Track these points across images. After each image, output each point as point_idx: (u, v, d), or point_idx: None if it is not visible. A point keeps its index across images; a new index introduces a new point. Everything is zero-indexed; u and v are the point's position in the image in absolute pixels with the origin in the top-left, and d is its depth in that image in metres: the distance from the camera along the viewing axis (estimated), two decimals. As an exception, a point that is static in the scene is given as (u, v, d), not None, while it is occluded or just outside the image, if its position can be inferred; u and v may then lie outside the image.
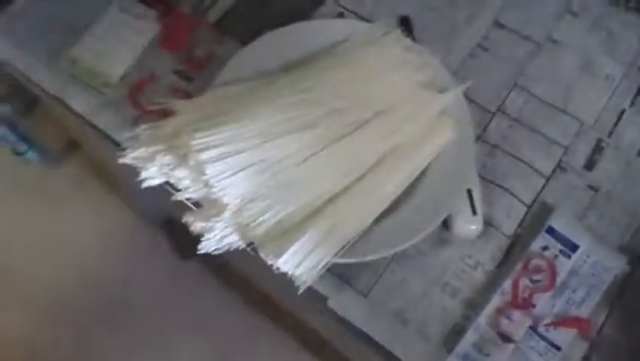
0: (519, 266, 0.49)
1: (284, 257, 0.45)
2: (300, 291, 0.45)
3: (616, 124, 0.58)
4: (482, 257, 0.52)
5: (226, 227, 0.46)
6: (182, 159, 0.46)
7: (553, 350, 0.46)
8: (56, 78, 0.59)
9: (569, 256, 0.50)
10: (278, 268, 0.45)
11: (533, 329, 0.47)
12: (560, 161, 0.56)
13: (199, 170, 0.45)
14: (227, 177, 0.45)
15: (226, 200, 0.45)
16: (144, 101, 0.57)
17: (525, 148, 0.57)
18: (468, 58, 0.61)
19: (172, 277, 1.25)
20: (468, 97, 0.57)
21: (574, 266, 0.50)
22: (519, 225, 0.53)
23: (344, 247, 0.46)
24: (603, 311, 0.49)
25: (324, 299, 0.50)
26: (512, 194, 0.54)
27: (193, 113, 0.49)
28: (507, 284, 0.49)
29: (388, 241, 0.48)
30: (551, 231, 0.51)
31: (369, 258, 0.47)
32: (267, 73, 0.53)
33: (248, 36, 0.59)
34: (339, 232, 0.47)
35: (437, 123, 0.52)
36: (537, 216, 0.53)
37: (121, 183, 1.01)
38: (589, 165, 0.56)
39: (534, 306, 0.48)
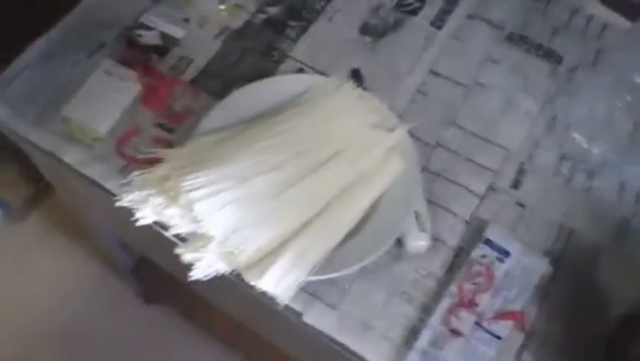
0: (462, 272, 0.59)
1: (265, 278, 0.53)
2: (280, 307, 0.53)
3: (535, 150, 0.69)
4: (432, 267, 0.61)
5: (213, 256, 0.54)
6: (172, 200, 0.54)
7: (496, 340, 0.55)
8: (47, 135, 0.66)
9: (503, 261, 0.60)
10: (259, 289, 0.53)
11: (478, 323, 0.56)
12: (491, 183, 0.67)
13: (188, 208, 0.53)
14: (212, 213, 0.53)
15: (212, 232, 0.53)
16: (131, 152, 0.65)
17: (462, 174, 0.67)
18: (410, 102, 0.72)
19: (140, 322, 1.28)
20: (413, 134, 0.68)
21: (507, 269, 0.59)
22: (462, 238, 0.63)
23: (315, 266, 0.55)
24: (534, 305, 0.59)
25: (299, 315, 0.58)
26: (453, 213, 0.64)
27: (179, 160, 0.57)
28: (453, 288, 0.58)
29: (351, 259, 0.56)
30: (488, 242, 0.61)
31: (336, 274, 0.55)
32: (239, 123, 0.62)
33: (220, 91, 0.68)
34: (310, 254, 0.55)
35: (388, 158, 0.62)
36: (476, 230, 0.63)
37: (94, 232, 1.06)
38: (516, 185, 0.67)
39: (477, 305, 0.57)
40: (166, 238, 0.57)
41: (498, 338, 0.55)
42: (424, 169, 0.67)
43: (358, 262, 0.56)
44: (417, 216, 0.60)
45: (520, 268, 0.60)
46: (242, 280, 0.54)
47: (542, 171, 0.68)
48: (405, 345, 0.56)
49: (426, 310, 0.58)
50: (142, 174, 0.57)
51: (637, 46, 0.74)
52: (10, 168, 1.32)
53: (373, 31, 0.77)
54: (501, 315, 0.57)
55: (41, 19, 0.72)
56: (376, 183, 0.60)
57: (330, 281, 0.58)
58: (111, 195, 0.61)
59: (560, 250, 0.63)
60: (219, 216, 0.53)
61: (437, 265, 0.61)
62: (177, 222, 0.55)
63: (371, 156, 0.61)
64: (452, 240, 0.62)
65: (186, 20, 0.76)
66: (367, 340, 0.57)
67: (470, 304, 0.57)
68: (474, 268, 0.59)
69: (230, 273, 0.55)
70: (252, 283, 0.53)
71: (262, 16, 0.77)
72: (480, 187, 0.66)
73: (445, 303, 0.57)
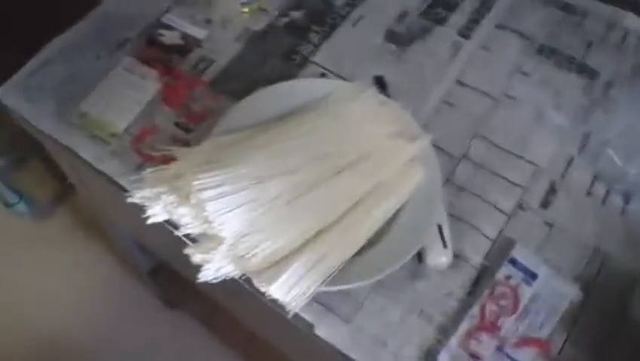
0: (485, 293, 0.55)
1: (276, 285, 0.50)
2: (290, 316, 0.50)
3: (566, 168, 0.66)
4: (453, 286, 0.57)
5: (223, 258, 0.51)
6: (184, 198, 0.52)
7: (518, 367, 0.52)
8: (65, 130, 0.65)
9: (530, 284, 0.56)
10: (270, 296, 0.50)
11: (499, 349, 0.53)
12: (519, 200, 0.63)
13: (199, 208, 0.51)
14: (224, 214, 0.51)
15: (223, 234, 0.51)
16: (146, 150, 0.63)
17: (488, 189, 0.64)
18: (435, 112, 0.69)
19: (158, 325, 1.26)
20: (437, 145, 0.65)
21: (534, 293, 0.55)
22: (485, 257, 0.59)
23: (329, 276, 0.52)
24: (562, 333, 0.55)
25: (310, 327, 0.55)
26: (478, 230, 0.61)
27: (193, 159, 0.55)
28: (475, 310, 0.54)
29: (367, 271, 0.53)
30: (513, 262, 0.57)
31: (351, 286, 0.52)
32: (258, 124, 0.60)
33: (240, 93, 0.66)
34: (324, 263, 0.52)
35: (409, 168, 0.59)
36: (501, 249, 0.59)
37: (113, 232, 1.05)
38: (545, 204, 0.63)
39: (499, 329, 0.53)
40: (180, 240, 0.55)
41: (522, 365, 0.52)
42: (448, 182, 0.64)
43: (374, 275, 0.53)
44: (438, 230, 0.57)
45: (548, 292, 0.56)
46: (253, 285, 0.51)
47: (574, 190, 0.64)
48: (420, 367, 0.53)
49: (444, 331, 0.55)
50: (155, 171, 0.55)
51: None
52: (37, 165, 1.34)
53: (399, 38, 0.75)
54: (525, 341, 0.53)
55: (65, 14, 0.71)
56: (396, 194, 0.57)
57: (345, 293, 0.55)
58: (125, 192, 0.59)
59: (592, 276, 0.59)
60: (231, 218, 0.51)
61: (459, 283, 0.57)
62: (188, 221, 0.53)
63: (391, 165, 0.58)
64: (476, 258, 0.59)
65: (208, 21, 0.75)
66: (380, 357, 0.53)
67: (493, 328, 0.53)
68: (499, 289, 0.56)
69: (240, 277, 0.52)
70: (262, 289, 0.50)
71: (284, 19, 0.76)
72: (507, 204, 0.63)
73: (465, 325, 0.54)
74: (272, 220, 0.52)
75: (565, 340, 0.55)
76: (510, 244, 0.59)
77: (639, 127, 0.65)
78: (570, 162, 0.66)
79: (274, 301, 0.51)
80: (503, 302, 0.55)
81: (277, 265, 0.51)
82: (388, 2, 0.79)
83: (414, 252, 0.54)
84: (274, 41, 0.74)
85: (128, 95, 0.67)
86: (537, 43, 0.76)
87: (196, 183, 0.51)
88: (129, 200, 0.53)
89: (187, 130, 0.65)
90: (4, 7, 0.97)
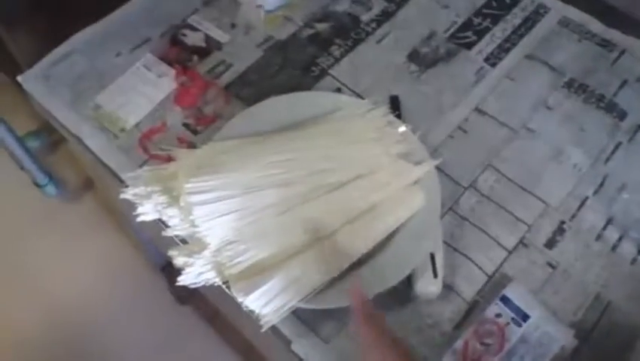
0: (471, 329, 0.53)
1: (253, 296, 0.49)
2: (264, 329, 0.50)
3: (579, 209, 0.63)
4: (440, 318, 0.55)
5: (205, 264, 0.51)
6: (174, 200, 0.53)
7: (497, 412, 0.49)
8: (77, 120, 0.67)
9: (520, 325, 0.53)
10: (246, 306, 0.50)
11: (479, 390, 0.50)
12: (523, 237, 0.61)
13: (187, 211, 0.51)
14: (211, 220, 0.51)
15: (208, 240, 0.51)
16: (152, 147, 0.64)
17: (492, 223, 0.61)
18: (448, 138, 0.67)
19: (166, 319, 1.28)
20: (444, 171, 0.63)
21: (523, 334, 0.53)
22: (479, 292, 0.57)
23: (310, 293, 0.51)
24: (549, 381, 0.52)
25: (288, 342, 0.54)
26: (475, 263, 0.59)
27: (190, 161, 0.55)
28: (459, 345, 0.52)
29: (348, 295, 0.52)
30: (505, 300, 0.55)
31: (331, 306, 0.51)
32: (261, 133, 0.60)
33: (253, 100, 0.66)
34: (306, 279, 0.51)
35: (409, 192, 0.58)
36: (496, 286, 0.57)
37: (128, 225, 1.07)
38: (550, 244, 0.60)
39: (482, 369, 0.51)
40: (170, 239, 0.55)
41: (500, 410, 0.49)
42: (450, 210, 0.62)
43: (358, 297, 0.52)
44: (431, 258, 0.55)
45: (539, 335, 0.53)
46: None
47: (583, 232, 0.61)
48: (395, 398, 0.51)
49: (424, 363, 0.53)
50: (152, 170, 0.56)
51: None
52: (70, 150, 1.37)
53: (422, 59, 0.74)
54: (507, 385, 0.50)
55: (94, 9, 0.74)
56: (391, 217, 0.56)
57: (327, 312, 0.54)
58: (125, 186, 0.60)
59: (590, 324, 0.56)
60: (217, 225, 0.51)
61: (447, 316, 0.55)
62: (176, 223, 0.53)
63: (390, 187, 0.57)
64: (468, 292, 0.57)
65: (233, 26, 0.75)
66: (355, 384, 0.52)
67: (474, 366, 0.51)
68: (486, 326, 0.53)
69: (223, 284, 0.52)
70: (239, 299, 0.50)
71: (309, 31, 0.76)
72: (509, 240, 0.60)
73: (447, 360, 0.52)
74: (260, 231, 0.52)
75: (553, 389, 0.52)
76: (505, 280, 0.57)
77: (660, 175, 0.61)
78: (583, 203, 0.63)
79: (252, 312, 0.50)
80: (489, 340, 0.53)
81: (257, 276, 0.50)
82: (417, 22, 0.78)
83: (400, 279, 0.53)
84: (295, 51, 0.74)
85: (143, 92, 0.68)
86: (566, 77, 0.73)
87: (187, 185, 0.51)
88: (122, 196, 0.54)
89: (195, 132, 0.66)
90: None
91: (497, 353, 0.52)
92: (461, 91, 0.71)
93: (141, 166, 0.63)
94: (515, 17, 0.79)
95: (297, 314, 0.53)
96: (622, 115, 0.70)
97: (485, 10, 0.79)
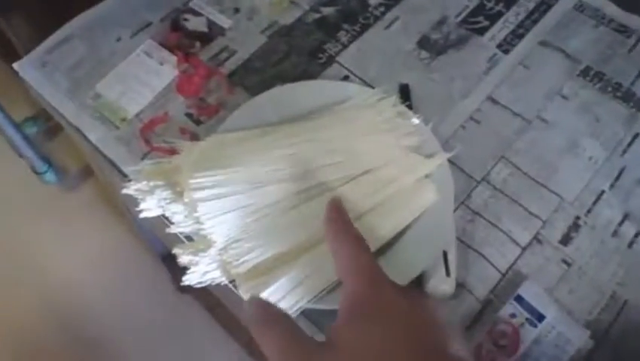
0: (484, 330, 0.51)
1: (261, 296, 0.48)
2: (272, 330, 0.48)
3: (594, 203, 0.61)
4: (452, 318, 0.54)
5: (210, 263, 0.49)
6: (178, 196, 0.50)
7: (511, 416, 0.48)
8: (76, 109, 0.65)
9: (535, 325, 0.52)
10: (254, 307, 0.48)
11: (493, 392, 0.49)
12: (537, 233, 0.59)
13: (192, 207, 0.49)
14: (216, 217, 0.49)
15: (214, 237, 0.49)
16: (154, 139, 0.62)
17: (505, 218, 0.59)
18: (460, 128, 0.65)
19: (167, 308, 1.27)
20: (456, 164, 0.61)
21: (538, 335, 0.51)
22: (492, 290, 0.55)
23: (320, 293, 0.49)
24: (564, 383, 0.51)
25: (296, 342, 0.52)
26: (488, 260, 0.57)
27: (194, 155, 0.53)
28: (471, 346, 0.51)
29: (361, 292, 0.50)
30: (520, 299, 0.53)
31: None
32: (268, 124, 0.58)
33: (258, 89, 0.63)
34: (316, 278, 0.49)
35: (421, 186, 0.56)
36: (510, 284, 0.55)
37: (127, 211, 1.06)
38: (565, 241, 0.59)
39: (496, 370, 0.50)
40: (175, 235, 0.53)
41: (515, 413, 0.48)
42: (462, 205, 0.60)
43: (368, 296, 0.50)
44: (444, 256, 0.54)
45: (554, 337, 0.52)
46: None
47: (599, 228, 0.59)
48: (406, 399, 0.50)
49: (436, 364, 0.51)
50: (154, 163, 0.53)
51: None
52: (69, 136, 1.35)
53: (433, 46, 0.71)
54: (522, 387, 0.49)
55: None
56: (402, 213, 0.54)
57: (335, 312, 0.52)
58: (128, 180, 0.58)
59: (606, 324, 0.54)
60: (223, 222, 0.49)
61: (459, 316, 0.54)
62: (180, 219, 0.51)
63: (402, 181, 0.55)
64: (481, 291, 0.55)
65: (236, 10, 0.72)
66: (365, 385, 0.51)
67: (488, 368, 0.50)
68: (499, 327, 0.52)
69: (230, 283, 0.50)
70: (246, 298, 0.48)
71: (315, 15, 0.73)
72: (523, 236, 0.58)
73: (459, 361, 0.50)
74: (267, 228, 0.50)
75: (568, 391, 0.51)
76: (520, 279, 0.55)
77: (681, 169, 0.59)
78: (599, 197, 0.61)
79: (258, 312, 0.48)
80: (502, 342, 0.51)
81: (265, 275, 0.49)
82: (427, 5, 0.75)
83: (412, 277, 0.51)
84: (301, 37, 0.71)
85: (144, 80, 0.66)
86: (582, 65, 0.70)
87: (191, 181, 0.49)
88: (124, 191, 0.52)
89: (197, 122, 0.63)
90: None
91: (511, 355, 0.50)
92: (473, 79, 0.69)
93: (142, 158, 0.61)
94: (529, 1, 0.76)
95: (305, 314, 0.52)
96: (639, 105, 0.67)
97: (498, -6, 0.76)
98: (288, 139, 0.54)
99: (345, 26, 0.72)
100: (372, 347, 0.32)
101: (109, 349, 1.22)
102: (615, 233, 0.59)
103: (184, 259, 0.50)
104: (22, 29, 0.95)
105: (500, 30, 0.73)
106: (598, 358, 0.52)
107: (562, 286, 0.56)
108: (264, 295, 0.48)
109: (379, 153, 0.56)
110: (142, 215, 0.52)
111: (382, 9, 0.74)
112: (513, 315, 0.52)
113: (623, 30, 0.73)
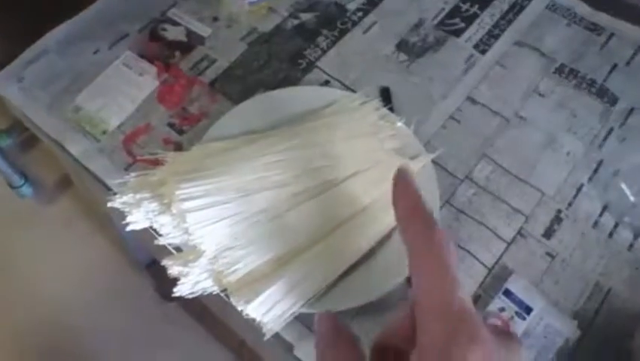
0: (475, 326, 0.52)
1: (254, 304, 0.48)
2: (267, 337, 0.48)
3: (575, 197, 0.63)
4: (443, 315, 0.54)
5: (201, 273, 0.49)
6: (166, 207, 0.50)
7: (504, 408, 0.49)
8: (56, 123, 0.64)
9: (524, 318, 0.53)
10: (247, 314, 0.48)
11: (486, 387, 0.50)
12: (521, 228, 0.60)
13: (180, 218, 0.49)
14: (205, 226, 0.49)
15: (203, 247, 0.49)
16: (137, 150, 0.62)
17: (489, 214, 0.61)
18: (441, 128, 0.66)
19: (153, 317, 1.26)
20: (439, 164, 0.62)
21: (527, 327, 0.53)
22: (480, 286, 0.56)
23: (312, 298, 0.50)
24: (554, 374, 0.52)
25: (290, 347, 0.53)
26: (474, 257, 0.58)
27: (179, 165, 0.53)
28: (463, 342, 0.52)
29: (353, 295, 0.51)
30: (508, 293, 0.54)
31: (337, 308, 0.50)
32: (252, 132, 0.58)
33: (239, 96, 0.64)
34: (307, 283, 0.50)
35: (407, 187, 0.56)
36: (497, 279, 0.56)
37: (110, 223, 1.04)
38: (548, 234, 0.60)
39: (488, 365, 0.51)
40: (163, 246, 0.53)
41: (508, 406, 0.49)
42: (447, 204, 0.61)
43: (361, 299, 0.50)
44: (432, 255, 0.54)
45: (543, 328, 0.53)
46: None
47: (580, 220, 0.61)
48: (402, 398, 0.50)
49: (430, 362, 0.52)
50: (139, 175, 0.53)
51: None
52: (45, 148, 1.33)
53: (411, 48, 0.72)
54: (514, 380, 0.50)
55: (67, 3, 0.70)
56: (389, 214, 0.54)
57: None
58: (113, 194, 0.58)
59: (592, 313, 0.56)
60: (212, 231, 0.49)
61: (449, 312, 0.54)
62: (168, 231, 0.51)
63: (387, 183, 0.55)
64: (470, 286, 0.56)
65: (215, 19, 0.72)
66: (360, 386, 0.51)
67: (480, 363, 0.51)
68: (490, 321, 0.53)
69: (222, 292, 0.50)
70: (239, 307, 0.48)
71: (294, 21, 0.73)
72: (507, 231, 0.60)
73: (452, 357, 0.51)
74: (256, 236, 0.50)
75: (558, 381, 0.52)
76: (507, 273, 0.57)
77: (656, 160, 0.61)
78: (579, 190, 0.63)
79: (252, 319, 0.49)
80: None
81: (257, 283, 0.49)
82: (404, 9, 0.76)
83: (403, 277, 0.52)
84: (281, 44, 0.72)
85: (124, 92, 0.65)
86: (557, 63, 0.72)
87: (178, 192, 0.49)
88: (110, 205, 0.51)
89: (180, 132, 0.63)
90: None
91: (502, 349, 0.51)
92: (452, 80, 0.70)
93: (126, 170, 0.60)
94: (502, 2, 0.78)
95: (298, 318, 0.52)
96: (613, 100, 0.69)
97: (472, -4, 0.78)
98: (274, 146, 0.54)
99: (324, 32, 0.73)
100: None
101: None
102: (596, 224, 0.61)
103: (174, 270, 0.50)
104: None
105: (476, 31, 0.75)
106: (586, 346, 0.53)
107: (547, 278, 0.57)
108: (257, 302, 0.48)
109: (364, 156, 0.57)
110: (129, 228, 0.52)
111: (360, 14, 0.75)
112: (502, 309, 0.53)
113: (594, 28, 0.75)
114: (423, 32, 0.74)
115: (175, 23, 0.71)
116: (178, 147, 0.62)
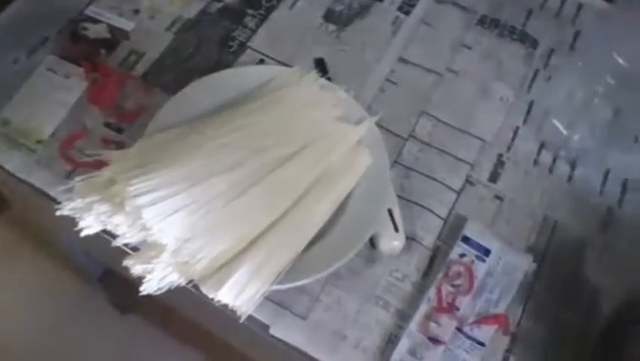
0: (440, 274, 0.54)
1: (223, 290, 0.48)
2: (242, 320, 0.48)
3: (513, 140, 0.66)
4: (408, 270, 0.56)
5: (166, 267, 0.48)
6: (118, 207, 0.49)
7: (479, 346, 0.51)
8: (-15, 140, 0.60)
9: (484, 260, 0.55)
10: (219, 301, 0.48)
11: (459, 329, 0.52)
12: (468, 176, 0.63)
13: (136, 215, 0.48)
14: (162, 220, 0.48)
15: (164, 241, 0.48)
16: (76, 155, 0.59)
17: (437, 168, 0.63)
18: (379, 92, 0.67)
19: (112, 332, 1.22)
20: (382, 126, 0.64)
21: (488, 269, 0.55)
22: (438, 237, 0.58)
23: (279, 275, 0.50)
24: (518, 305, 0.55)
25: (266, 327, 0.53)
26: (429, 210, 0.60)
27: (125, 163, 0.51)
28: (431, 292, 0.54)
29: (319, 265, 0.52)
30: (466, 239, 0.57)
31: (303, 282, 0.51)
32: (194, 119, 0.57)
33: (174, 86, 0.62)
34: (273, 261, 0.50)
35: (355, 153, 0.57)
36: (454, 228, 0.59)
37: (57, 240, 1.00)
38: (494, 178, 0.63)
39: (457, 309, 0.53)
40: (120, 249, 0.52)
41: (482, 344, 0.51)
42: (396, 163, 0.62)
43: (327, 267, 0.51)
44: (389, 214, 0.56)
45: (502, 267, 0.56)
46: (201, 291, 0.49)
47: (521, 161, 0.64)
48: (381, 355, 0.52)
49: (403, 316, 0.54)
50: (86, 179, 0.51)
51: (616, 27, 0.70)
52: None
53: (338, 18, 0.73)
54: (483, 319, 0.53)
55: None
56: (343, 181, 0.55)
57: (299, 289, 0.53)
58: (57, 204, 0.56)
59: (543, 245, 0.59)
60: (170, 223, 0.48)
61: (413, 267, 0.56)
62: (124, 231, 0.49)
63: (336, 151, 0.56)
64: (429, 239, 0.58)
65: (136, 12, 0.70)
66: (341, 351, 0.52)
67: (451, 309, 0.53)
68: (453, 268, 0.55)
69: (188, 284, 0.50)
70: (210, 295, 0.48)
71: (218, 4, 0.72)
72: (456, 181, 0.62)
73: (423, 308, 0.53)
74: (214, 222, 0.50)
75: (522, 312, 0.55)
76: (461, 221, 0.59)
77: (579, 94, 0.65)
78: (515, 133, 0.66)
79: (225, 305, 0.48)
80: (458, 282, 0.54)
81: (223, 268, 0.49)
82: (326, -20, 0.76)
83: (365, 240, 0.53)
84: (208, 28, 0.70)
85: (53, 97, 0.62)
86: (478, 15, 0.75)
87: (130, 189, 0.48)
88: (59, 213, 0.49)
89: (119, 130, 0.61)
90: None
91: (468, 292, 0.54)
92: (382, 43, 0.71)
93: (67, 177, 0.58)
94: (418, -38, 0.79)
95: (268, 297, 0.52)
96: (534, 44, 0.73)
97: (389, -41, 0.79)
98: (220, 130, 0.54)
99: (250, 11, 0.72)
100: None
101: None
102: (536, 162, 0.64)
103: (137, 269, 0.48)
104: None
105: (398, -7, 0.76)
106: (542, 276, 0.57)
107: (499, 219, 0.60)
108: (226, 287, 0.47)
109: (311, 128, 0.57)
110: (83, 233, 0.50)
111: (283, -11, 0.75)
112: (462, 255, 0.56)
113: (508, -23, 0.78)
114: (347, 0, 0.74)
115: (95, 21, 0.68)
116: (120, 146, 0.60)
